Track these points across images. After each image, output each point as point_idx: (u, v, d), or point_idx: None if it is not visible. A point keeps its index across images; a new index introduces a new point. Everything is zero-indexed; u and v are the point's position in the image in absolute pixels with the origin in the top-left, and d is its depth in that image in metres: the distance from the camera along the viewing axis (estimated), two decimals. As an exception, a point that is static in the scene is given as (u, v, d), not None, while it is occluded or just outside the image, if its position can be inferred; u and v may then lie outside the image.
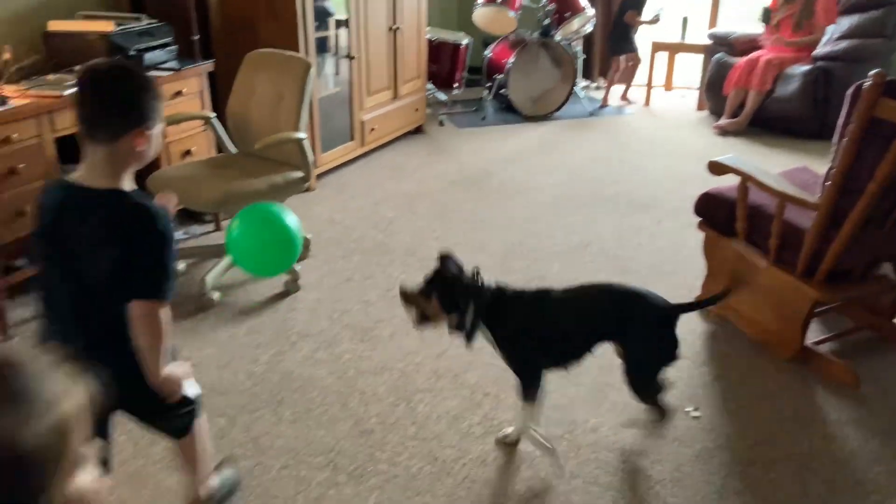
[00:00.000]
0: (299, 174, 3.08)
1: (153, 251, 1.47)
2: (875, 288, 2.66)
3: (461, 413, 2.38)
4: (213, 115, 3.35)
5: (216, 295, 3.02)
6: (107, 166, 1.48)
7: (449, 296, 2.03)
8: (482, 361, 2.64)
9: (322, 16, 4.18)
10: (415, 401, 2.44)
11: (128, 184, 1.52)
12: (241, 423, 2.32)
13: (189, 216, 3.72)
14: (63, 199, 1.51)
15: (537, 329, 2.10)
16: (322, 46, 4.23)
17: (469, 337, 2.09)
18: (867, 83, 2.17)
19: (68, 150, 2.61)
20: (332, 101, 4.38)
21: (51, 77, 2.98)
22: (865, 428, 2.34)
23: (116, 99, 1.47)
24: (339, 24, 4.35)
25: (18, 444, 0.74)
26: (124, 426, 2.23)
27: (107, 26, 3.24)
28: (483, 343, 2.73)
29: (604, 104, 6.11)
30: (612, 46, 6.18)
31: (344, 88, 4.47)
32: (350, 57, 4.40)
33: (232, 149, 3.33)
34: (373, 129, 4.77)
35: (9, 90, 2.80)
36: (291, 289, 3.13)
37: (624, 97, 6.32)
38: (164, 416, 1.70)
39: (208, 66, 3.52)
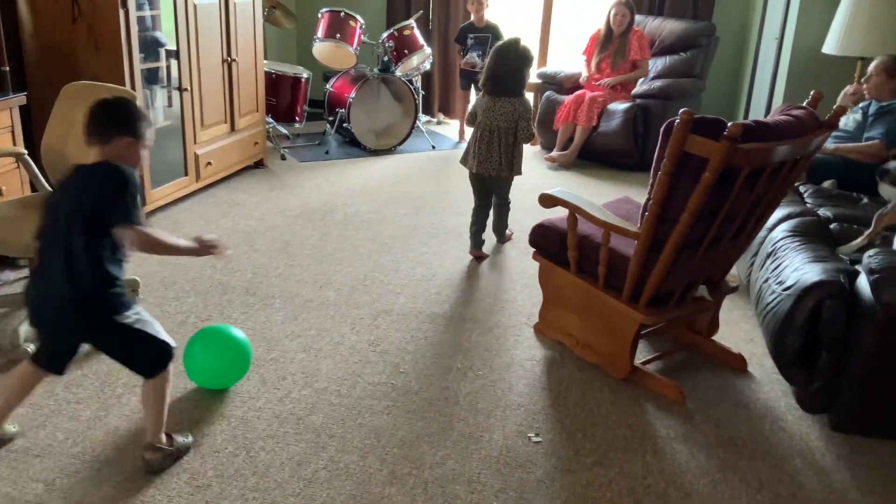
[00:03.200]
0: (125, 213, 2.88)
1: None
2: (693, 309, 2.87)
3: (305, 458, 2.30)
4: (25, 151, 3.09)
5: (31, 347, 2.76)
6: None
7: None
8: (327, 401, 2.58)
9: (152, 46, 3.99)
10: (255, 449, 2.33)
11: None
12: (61, 487, 2.11)
13: (0, 261, 3.40)
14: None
15: None
16: (153, 78, 4.03)
17: None
18: (677, 121, 2.35)
19: None
20: (163, 135, 4.17)
21: None
22: (692, 441, 2.50)
23: None
24: (170, 54, 4.17)
25: None
26: None
27: None
28: (328, 383, 2.68)
29: (461, 139, 6.27)
30: (461, 82, 6.35)
31: (176, 121, 4.29)
32: (181, 89, 4.23)
33: (47, 187, 3.08)
34: (209, 164, 4.59)
35: None
36: (119, 336, 2.91)
37: (463, 133, 6.51)
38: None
39: (20, 98, 3.25)
